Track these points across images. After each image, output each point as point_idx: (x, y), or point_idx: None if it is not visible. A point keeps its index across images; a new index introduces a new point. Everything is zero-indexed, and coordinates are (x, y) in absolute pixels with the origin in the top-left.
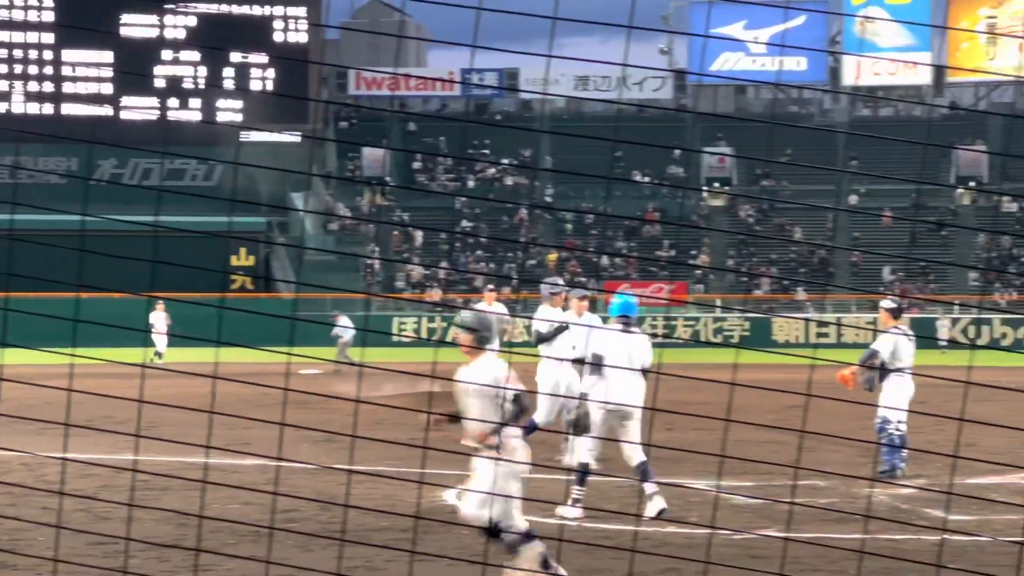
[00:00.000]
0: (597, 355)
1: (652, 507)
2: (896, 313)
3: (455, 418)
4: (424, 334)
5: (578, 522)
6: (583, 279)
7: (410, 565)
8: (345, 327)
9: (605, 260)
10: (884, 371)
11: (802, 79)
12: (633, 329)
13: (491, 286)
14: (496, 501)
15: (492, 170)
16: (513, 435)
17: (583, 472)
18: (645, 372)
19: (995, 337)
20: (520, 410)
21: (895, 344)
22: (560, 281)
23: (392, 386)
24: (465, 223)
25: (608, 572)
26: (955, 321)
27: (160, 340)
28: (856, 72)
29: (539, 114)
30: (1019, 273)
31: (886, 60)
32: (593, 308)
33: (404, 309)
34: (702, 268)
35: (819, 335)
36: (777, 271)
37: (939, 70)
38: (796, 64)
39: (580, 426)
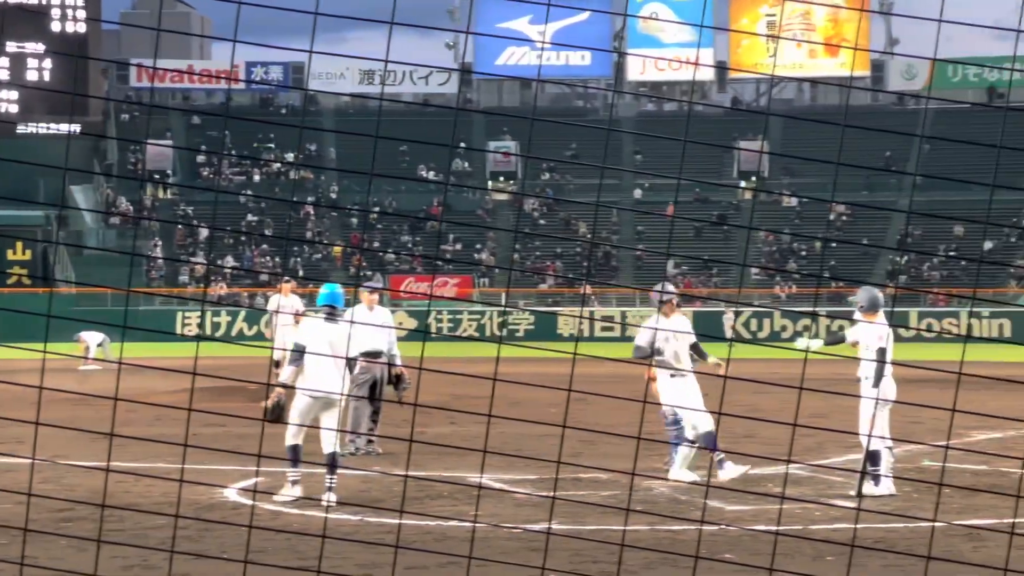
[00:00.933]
0: (299, 344)
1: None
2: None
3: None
4: (209, 329)
5: (296, 500)
6: (368, 273)
7: (171, 562)
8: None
9: (391, 254)
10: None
11: (587, 74)
12: (338, 319)
13: (287, 278)
14: None
15: (277, 164)
16: None
17: (294, 455)
18: (350, 361)
19: (775, 330)
20: None
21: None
22: (671, 287)
23: (170, 382)
24: (251, 217)
25: (390, 567)
26: (738, 314)
27: None
28: (641, 67)
29: (325, 108)
30: (797, 271)
31: (665, 59)
32: (382, 301)
33: (189, 303)
34: (488, 265)
35: (603, 328)
36: (562, 265)
37: (722, 65)
38: (581, 59)
39: (276, 413)
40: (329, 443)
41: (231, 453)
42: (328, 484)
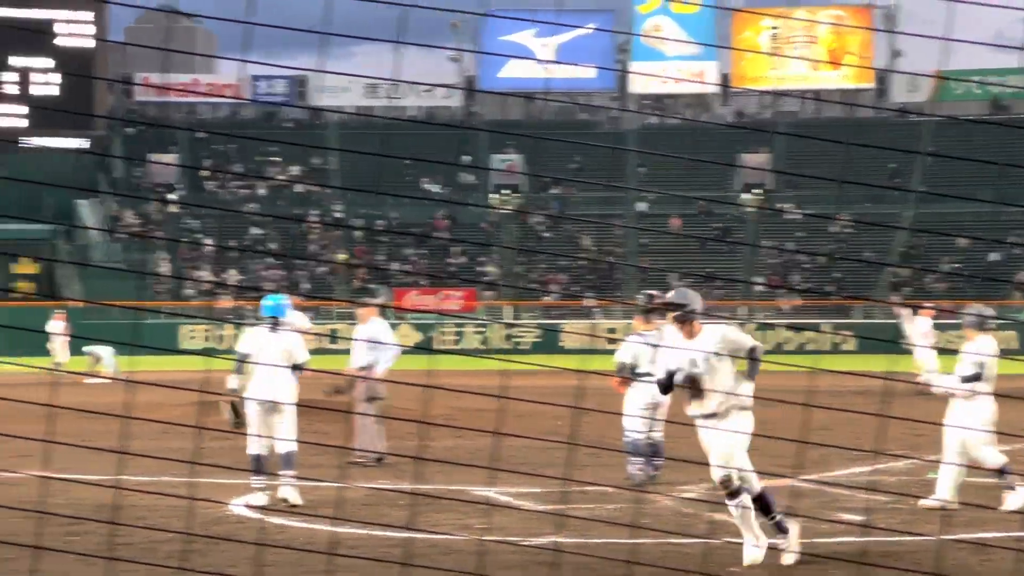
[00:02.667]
0: (243, 353)
1: (279, 494)
2: (648, 317)
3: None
4: (213, 342)
5: (262, 510)
6: (372, 287)
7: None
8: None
9: (395, 267)
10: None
11: (592, 86)
12: (282, 328)
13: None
14: None
15: (282, 177)
16: None
17: (257, 465)
18: (297, 368)
19: (779, 342)
20: None
21: (637, 351)
22: (989, 311)
23: (178, 395)
24: (255, 231)
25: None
26: (742, 326)
27: (60, 349)
28: (645, 80)
29: (329, 120)
30: (798, 288)
31: (668, 76)
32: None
33: (193, 317)
34: (491, 282)
35: (608, 341)
36: (566, 278)
37: (725, 78)
38: (585, 72)
39: (234, 415)
40: (283, 445)
41: (233, 470)
42: (286, 482)
